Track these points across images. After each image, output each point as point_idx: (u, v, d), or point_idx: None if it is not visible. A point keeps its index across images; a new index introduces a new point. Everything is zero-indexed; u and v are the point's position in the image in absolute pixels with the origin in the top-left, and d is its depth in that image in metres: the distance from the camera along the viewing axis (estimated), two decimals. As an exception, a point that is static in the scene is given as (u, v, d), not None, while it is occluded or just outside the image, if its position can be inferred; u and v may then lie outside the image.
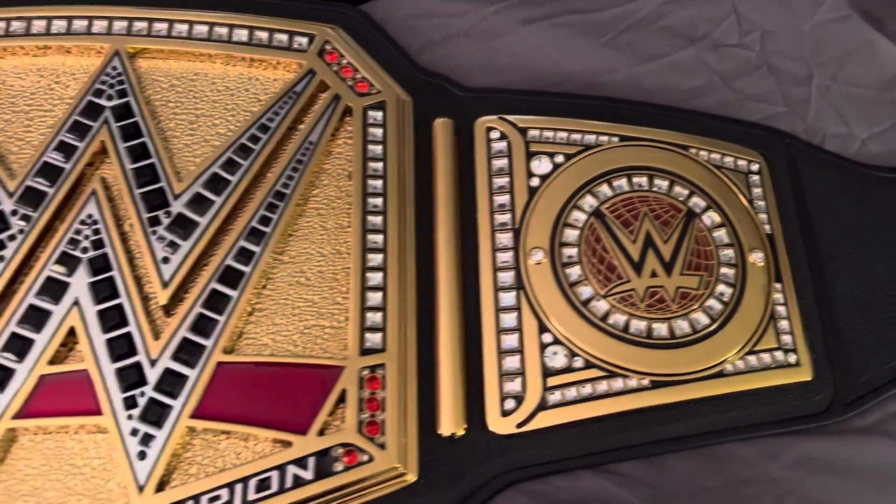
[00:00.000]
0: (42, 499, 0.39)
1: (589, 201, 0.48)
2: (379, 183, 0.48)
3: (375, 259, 0.46)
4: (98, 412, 0.40)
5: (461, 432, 0.43)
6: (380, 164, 0.48)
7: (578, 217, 0.48)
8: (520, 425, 0.43)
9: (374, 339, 0.44)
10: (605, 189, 0.49)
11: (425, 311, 0.45)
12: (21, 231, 0.43)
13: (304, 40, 0.51)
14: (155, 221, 0.44)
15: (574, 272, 0.46)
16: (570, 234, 0.47)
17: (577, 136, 0.50)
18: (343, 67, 0.51)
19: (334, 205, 0.48)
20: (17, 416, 0.40)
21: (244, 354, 0.43)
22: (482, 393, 0.44)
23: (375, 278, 0.45)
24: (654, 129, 0.51)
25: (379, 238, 0.46)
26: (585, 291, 0.46)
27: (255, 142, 0.47)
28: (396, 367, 0.43)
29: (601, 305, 0.45)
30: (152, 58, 0.50)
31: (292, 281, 0.45)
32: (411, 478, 0.42)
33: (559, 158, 0.49)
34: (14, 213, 0.44)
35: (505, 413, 0.43)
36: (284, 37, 0.51)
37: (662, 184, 0.49)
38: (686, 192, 0.49)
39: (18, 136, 0.47)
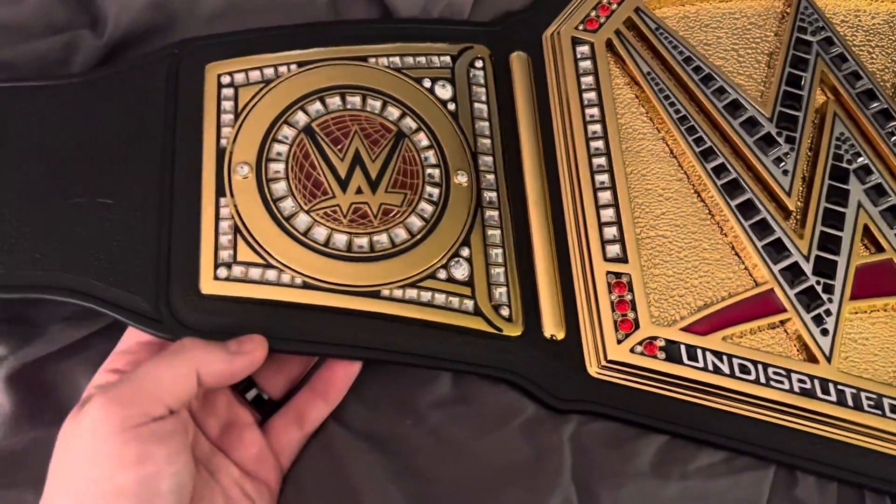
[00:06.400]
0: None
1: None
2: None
3: None
4: (915, 292, 0.49)
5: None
6: None
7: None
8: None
9: None
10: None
11: None
12: (791, 150, 0.52)
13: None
14: (892, 134, 0.53)
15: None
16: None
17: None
18: None
19: None
20: (852, 298, 0.49)
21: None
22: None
23: None
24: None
25: None
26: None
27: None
28: None
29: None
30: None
31: None
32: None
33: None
34: (779, 133, 0.52)
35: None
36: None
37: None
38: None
39: (739, 72, 0.55)
